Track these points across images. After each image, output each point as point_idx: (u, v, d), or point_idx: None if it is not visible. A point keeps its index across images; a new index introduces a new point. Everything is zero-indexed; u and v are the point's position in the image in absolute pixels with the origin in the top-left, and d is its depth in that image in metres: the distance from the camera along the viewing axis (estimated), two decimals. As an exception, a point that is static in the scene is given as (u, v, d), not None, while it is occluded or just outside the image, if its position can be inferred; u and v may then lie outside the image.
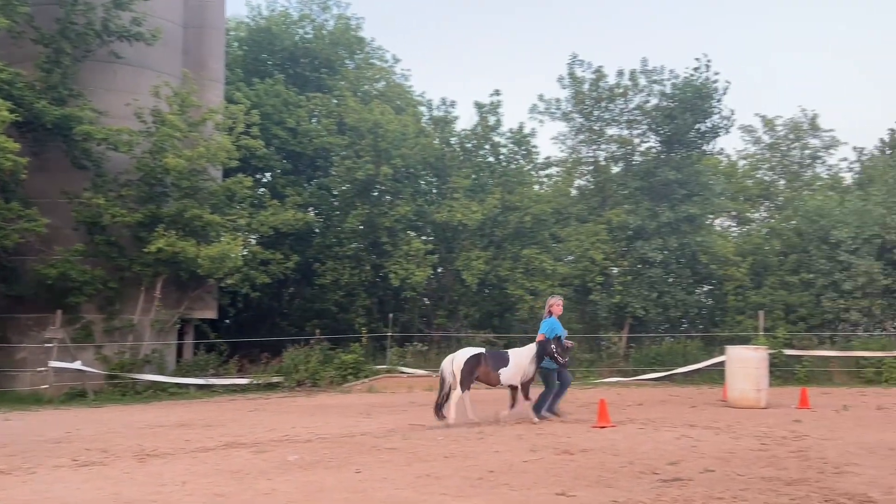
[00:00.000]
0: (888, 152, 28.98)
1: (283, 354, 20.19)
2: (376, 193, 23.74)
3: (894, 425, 11.37)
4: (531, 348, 11.70)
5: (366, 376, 19.84)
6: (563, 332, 11.64)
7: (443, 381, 11.70)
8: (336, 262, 22.80)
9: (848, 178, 28.19)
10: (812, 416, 11.92)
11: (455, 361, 11.56)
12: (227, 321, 24.06)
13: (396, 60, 27.36)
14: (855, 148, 31.52)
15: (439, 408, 11.57)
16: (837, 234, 21.47)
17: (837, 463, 7.83)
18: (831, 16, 74.04)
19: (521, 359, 11.64)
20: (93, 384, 18.51)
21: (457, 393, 11.33)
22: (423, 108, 25.65)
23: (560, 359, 11.33)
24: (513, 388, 11.83)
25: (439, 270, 24.08)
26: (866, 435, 9.77)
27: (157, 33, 19.49)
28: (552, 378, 11.54)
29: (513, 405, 11.94)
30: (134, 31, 19.13)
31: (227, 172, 21.75)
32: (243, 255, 20.86)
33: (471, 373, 11.61)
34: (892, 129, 29.79)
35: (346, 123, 23.01)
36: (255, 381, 19.15)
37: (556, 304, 12.00)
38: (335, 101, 23.84)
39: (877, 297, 20.90)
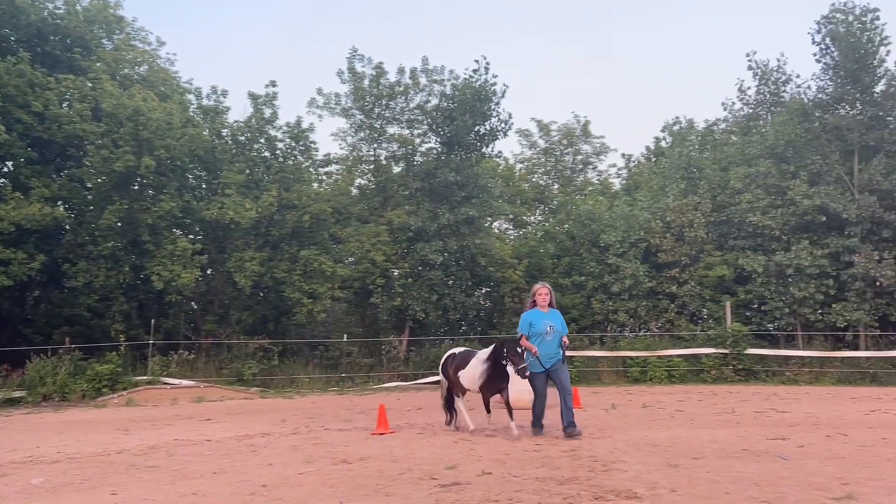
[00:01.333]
0: (653, 160, 33.41)
1: (26, 366, 19.96)
2: (137, 187, 23.50)
3: (658, 423, 12.93)
4: (489, 350, 11.51)
5: (124, 388, 20.00)
6: (543, 327, 11.28)
7: (441, 382, 12.60)
8: (90, 263, 22.38)
9: (616, 183, 32.46)
10: (583, 416, 12.99)
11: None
12: (-41, 329, 22.98)
13: (161, 43, 27.62)
14: (623, 155, 36.45)
15: (446, 408, 12.39)
16: (606, 238, 25.84)
17: (606, 461, 8.89)
18: (605, 25, 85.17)
19: (478, 361, 11.47)
20: None
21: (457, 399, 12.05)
22: (191, 97, 26.04)
23: (515, 363, 10.83)
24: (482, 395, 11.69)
25: (209, 272, 24.68)
26: (633, 432, 11.19)
27: None
28: (536, 384, 11.29)
29: (487, 412, 11.98)
30: None
31: (-43, 161, 21.04)
32: (-21, 255, 20.18)
33: (445, 374, 12.23)
34: (656, 138, 35.05)
35: (102, 109, 22.74)
36: (-8, 397, 18.58)
37: (539, 292, 11.61)
38: (90, 85, 23.50)
39: (642, 300, 25.36)
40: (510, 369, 11.22)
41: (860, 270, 23.18)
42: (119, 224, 22.90)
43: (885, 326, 23.90)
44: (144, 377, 21.11)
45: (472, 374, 11.49)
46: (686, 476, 8.03)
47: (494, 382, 11.36)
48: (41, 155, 23.90)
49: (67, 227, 23.80)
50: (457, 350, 12.60)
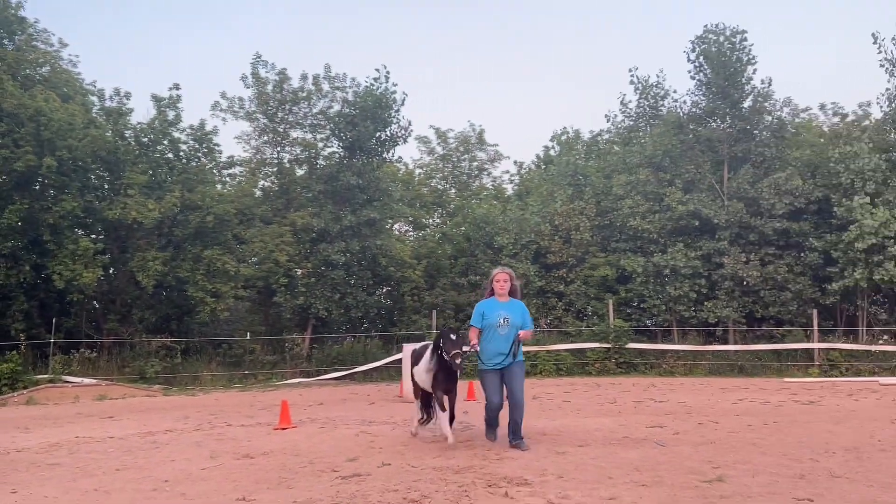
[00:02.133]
0: (543, 167, 34.12)
1: None
2: (38, 187, 23.15)
3: (547, 413, 13.26)
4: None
5: (24, 387, 19.50)
6: (496, 319, 9.41)
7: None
8: None
9: (509, 189, 32.85)
10: (476, 407, 12.84)
11: None
12: None
13: (64, 45, 27.00)
14: (516, 162, 36.81)
15: (422, 406, 10.69)
16: (500, 239, 26.41)
17: (499, 450, 8.97)
18: (501, 38, 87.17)
19: (427, 356, 10.05)
20: None
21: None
22: (94, 98, 25.59)
23: (448, 358, 9.28)
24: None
25: (111, 272, 24.27)
26: (524, 422, 10.07)
27: None
28: (484, 384, 9.53)
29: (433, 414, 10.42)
30: None
31: None
32: None
33: (411, 374, 10.95)
34: (546, 147, 35.85)
35: (3, 109, 22.24)
36: None
37: (497, 278, 9.67)
38: None
39: (533, 298, 25.58)
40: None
41: (729, 271, 24.12)
42: (19, 223, 22.38)
43: (751, 322, 24.73)
44: (45, 375, 20.69)
45: (421, 370, 10.12)
46: (573, 462, 8.26)
47: (442, 378, 9.71)
48: (-62, 154, 23.06)
49: (-35, 225, 22.95)
50: (418, 345, 11.76)
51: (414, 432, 10.74)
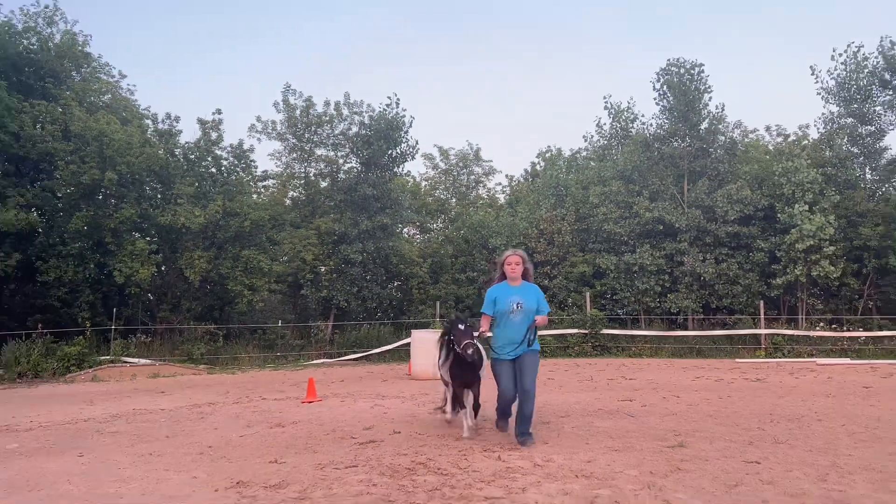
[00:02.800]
0: (530, 180, 34.03)
1: (2, 349, 19.62)
2: (101, 197, 23.31)
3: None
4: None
5: (90, 367, 19.56)
6: (508, 305, 7.57)
7: None
8: (60, 261, 22.08)
9: (501, 198, 32.68)
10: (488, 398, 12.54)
11: None
12: (-59, 317, 22.15)
13: (123, 76, 27.25)
14: (507, 175, 37.28)
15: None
16: (493, 241, 26.28)
17: (494, 420, 8.17)
18: (498, 66, 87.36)
19: (439, 351, 8.51)
20: None
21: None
22: (148, 121, 25.78)
23: (458, 348, 7.63)
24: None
25: (163, 269, 24.30)
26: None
27: None
28: (497, 374, 7.68)
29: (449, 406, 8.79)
30: None
31: (-58, 172, 20.18)
32: (-40, 253, 19.42)
33: None
34: (533, 163, 35.71)
35: (71, 131, 22.51)
36: (-30, 375, 17.98)
37: (509, 261, 7.78)
38: (60, 110, 23.25)
39: None
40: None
41: (688, 268, 24.09)
42: (85, 228, 22.57)
43: (707, 311, 24.65)
44: (108, 357, 20.80)
45: (439, 364, 8.50)
46: (556, 431, 8.29)
47: (458, 371, 7.98)
48: (17, 169, 23.40)
49: (40, 230, 23.27)
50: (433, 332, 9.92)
51: (448, 419, 8.79)
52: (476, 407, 8.36)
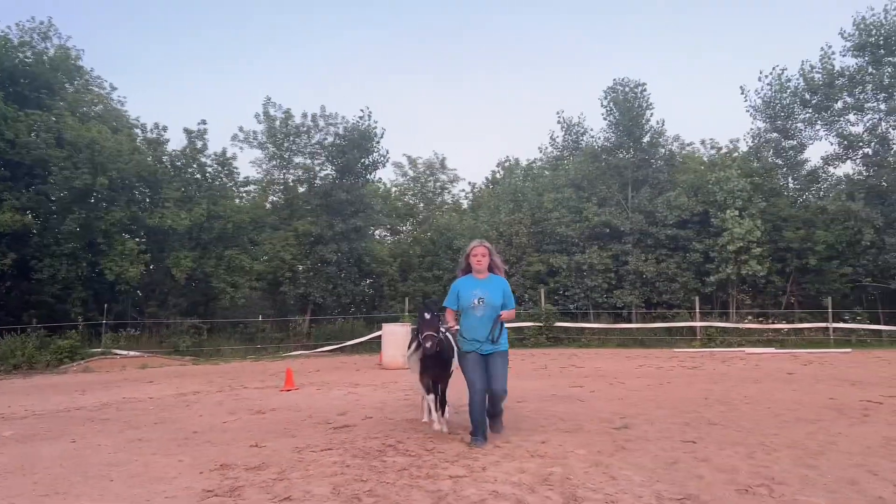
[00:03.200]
0: (490, 187, 34.11)
1: None
2: (93, 200, 22.97)
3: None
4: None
5: (81, 359, 19.38)
6: (470, 299, 6.54)
7: None
8: (53, 260, 21.78)
9: (465, 203, 32.67)
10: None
11: None
12: (-62, 313, 21.66)
13: (114, 88, 26.88)
14: (470, 182, 37.03)
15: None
16: (458, 243, 26.16)
17: (458, 406, 8.20)
18: (460, 77, 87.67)
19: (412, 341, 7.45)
20: None
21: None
22: (137, 130, 25.47)
23: (420, 330, 6.66)
24: None
25: (151, 267, 23.97)
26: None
27: None
28: (464, 369, 6.64)
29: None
30: None
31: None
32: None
33: None
34: (493, 171, 35.85)
35: (64, 139, 22.18)
36: (-34, 367, 17.46)
37: (474, 252, 6.68)
38: (54, 119, 22.92)
39: None
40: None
41: (632, 267, 24.22)
42: (78, 229, 22.36)
43: (649, 306, 24.79)
44: (99, 349, 20.59)
45: (408, 355, 7.65)
46: (514, 415, 8.16)
47: (430, 365, 7.01)
48: (12, 174, 22.91)
49: (35, 231, 22.92)
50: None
51: (436, 428, 7.35)
52: (443, 403, 7.40)
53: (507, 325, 6.86)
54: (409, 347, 7.65)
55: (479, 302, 6.53)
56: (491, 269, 6.76)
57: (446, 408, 7.56)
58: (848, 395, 9.85)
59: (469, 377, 6.54)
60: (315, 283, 25.27)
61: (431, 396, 7.33)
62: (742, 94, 26.51)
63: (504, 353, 6.65)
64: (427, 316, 6.66)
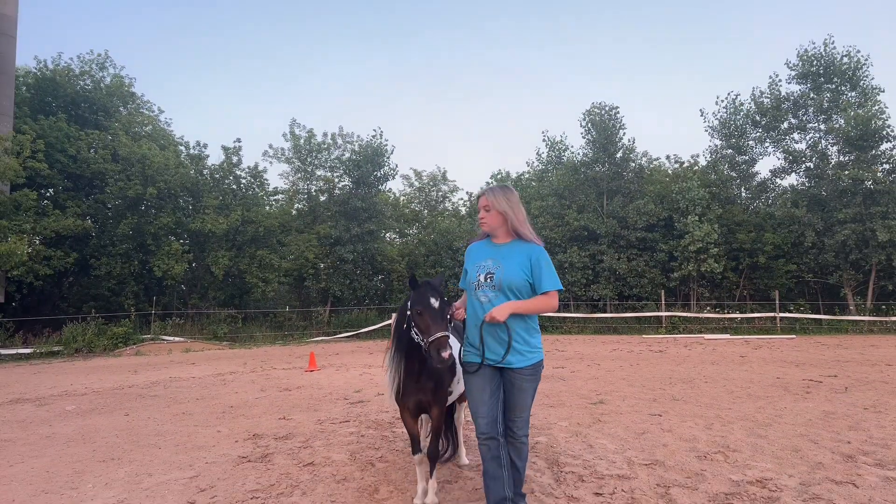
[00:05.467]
0: None
1: (62, 329, 19.30)
2: (143, 208, 23.28)
3: None
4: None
5: (133, 344, 19.48)
6: (474, 276, 3.42)
7: None
8: (109, 259, 21.99)
9: (463, 210, 31.68)
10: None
11: None
12: (14, 304, 22.04)
13: (161, 111, 27.36)
14: (467, 192, 36.06)
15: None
16: (457, 244, 25.92)
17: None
18: (459, 106, 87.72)
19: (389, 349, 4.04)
20: None
21: None
22: (182, 147, 25.54)
23: (425, 346, 3.31)
24: None
25: (193, 265, 24.07)
26: None
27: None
28: (468, 387, 3.49)
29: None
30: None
31: (16, 187, 20.27)
32: (28, 253, 19.62)
33: None
34: (487, 182, 34.25)
35: (119, 155, 22.30)
36: (38, 350, 17.93)
37: (480, 205, 3.55)
38: (110, 138, 23.07)
39: None
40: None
41: (607, 265, 24.02)
42: (130, 232, 22.47)
43: (622, 299, 24.66)
44: (148, 336, 20.63)
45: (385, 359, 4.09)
46: None
47: (411, 385, 3.80)
48: (74, 185, 23.20)
49: (93, 234, 22.99)
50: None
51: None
52: (451, 441, 4.38)
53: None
54: (390, 348, 3.97)
55: (485, 278, 3.40)
56: (516, 230, 3.52)
57: (459, 449, 4.37)
58: (792, 375, 9.82)
59: (470, 405, 3.50)
60: (334, 279, 25.21)
61: (419, 456, 3.85)
62: (702, 115, 26.51)
63: (533, 369, 3.40)
64: (434, 303, 3.41)
